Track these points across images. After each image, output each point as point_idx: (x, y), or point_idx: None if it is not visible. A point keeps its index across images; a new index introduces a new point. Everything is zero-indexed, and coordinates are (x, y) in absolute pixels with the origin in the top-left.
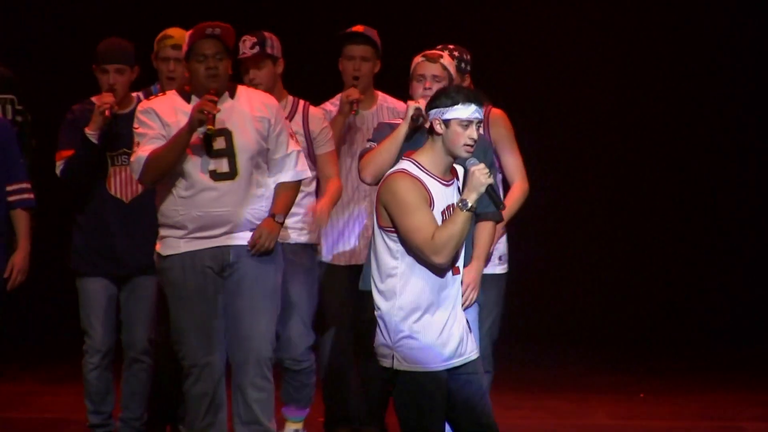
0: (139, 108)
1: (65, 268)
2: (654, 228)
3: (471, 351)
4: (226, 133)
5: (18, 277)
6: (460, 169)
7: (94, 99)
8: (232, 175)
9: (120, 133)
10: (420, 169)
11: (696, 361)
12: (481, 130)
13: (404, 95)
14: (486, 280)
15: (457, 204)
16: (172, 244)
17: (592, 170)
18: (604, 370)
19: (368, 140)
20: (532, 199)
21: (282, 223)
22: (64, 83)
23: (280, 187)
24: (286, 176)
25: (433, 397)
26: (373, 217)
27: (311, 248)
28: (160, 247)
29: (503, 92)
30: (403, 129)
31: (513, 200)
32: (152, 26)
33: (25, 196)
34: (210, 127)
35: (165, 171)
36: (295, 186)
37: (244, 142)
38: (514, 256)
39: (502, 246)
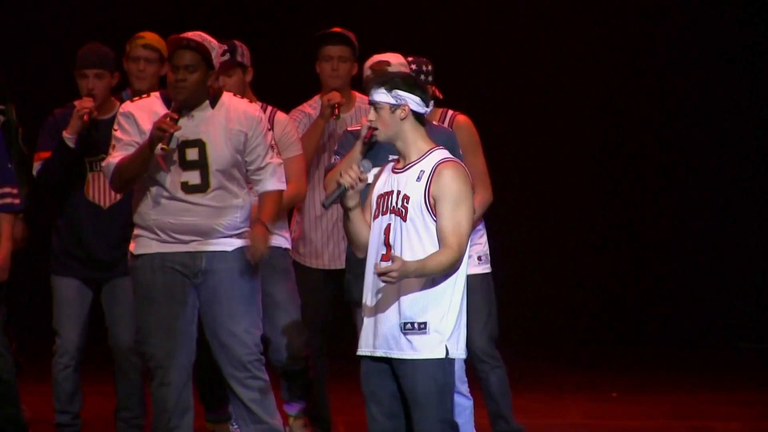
0: (120, 109)
1: (44, 269)
2: (624, 229)
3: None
4: (200, 145)
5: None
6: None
7: (76, 103)
8: (203, 187)
9: (99, 138)
10: None
11: (668, 361)
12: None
13: None
14: (469, 282)
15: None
16: (144, 244)
17: (577, 171)
18: (576, 369)
19: (335, 151)
20: (503, 198)
21: (269, 229)
22: (51, 88)
23: (262, 197)
24: (265, 186)
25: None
26: None
27: (285, 251)
28: (133, 246)
29: (491, 93)
30: (357, 148)
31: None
32: (133, 33)
33: (8, 200)
34: (164, 146)
35: (131, 181)
36: (277, 196)
37: (218, 155)
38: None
39: (481, 247)
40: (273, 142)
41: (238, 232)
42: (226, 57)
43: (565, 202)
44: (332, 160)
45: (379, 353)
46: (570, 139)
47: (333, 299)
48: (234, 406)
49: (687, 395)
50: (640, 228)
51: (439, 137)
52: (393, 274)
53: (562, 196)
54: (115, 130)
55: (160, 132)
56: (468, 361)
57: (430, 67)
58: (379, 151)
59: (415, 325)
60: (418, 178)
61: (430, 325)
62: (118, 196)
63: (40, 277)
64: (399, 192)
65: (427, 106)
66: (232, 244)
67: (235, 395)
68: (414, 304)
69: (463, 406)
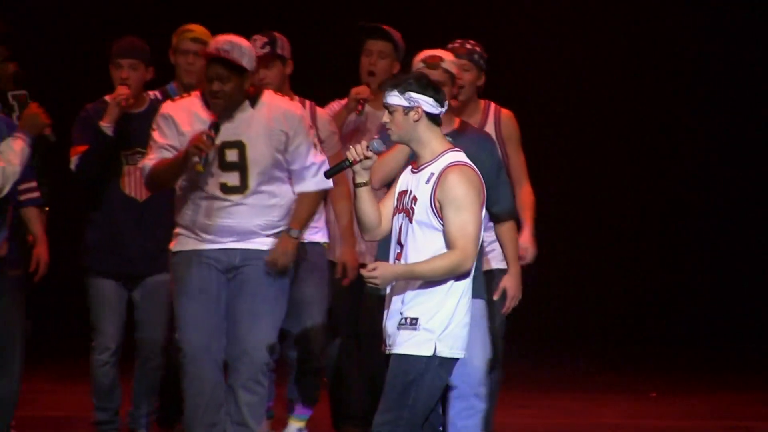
0: (161, 110)
1: (75, 266)
2: (666, 227)
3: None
4: (240, 146)
5: (44, 268)
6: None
7: (107, 98)
8: (242, 189)
9: (133, 132)
10: None
11: (707, 361)
12: (492, 130)
13: None
14: (496, 276)
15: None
16: (182, 242)
17: (602, 168)
18: (615, 369)
19: (375, 137)
20: (546, 198)
21: (298, 238)
22: (76, 83)
23: (300, 197)
24: (306, 186)
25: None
26: None
27: (322, 246)
28: (173, 244)
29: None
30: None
31: (528, 208)
32: (167, 30)
33: (35, 194)
34: (198, 168)
35: (165, 185)
36: (316, 197)
37: (258, 156)
38: None
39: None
40: (316, 140)
41: (275, 231)
42: (266, 49)
43: (605, 198)
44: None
45: (388, 351)
46: (600, 136)
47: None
48: (226, 403)
49: (726, 395)
50: (680, 227)
51: (475, 142)
52: (375, 281)
53: (603, 193)
54: (153, 131)
55: (196, 150)
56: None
57: (485, 55)
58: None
59: (407, 321)
60: (428, 181)
61: (420, 322)
62: None
63: (69, 273)
64: (411, 192)
65: (442, 106)
66: (267, 244)
67: (232, 393)
68: (410, 301)
69: (476, 408)
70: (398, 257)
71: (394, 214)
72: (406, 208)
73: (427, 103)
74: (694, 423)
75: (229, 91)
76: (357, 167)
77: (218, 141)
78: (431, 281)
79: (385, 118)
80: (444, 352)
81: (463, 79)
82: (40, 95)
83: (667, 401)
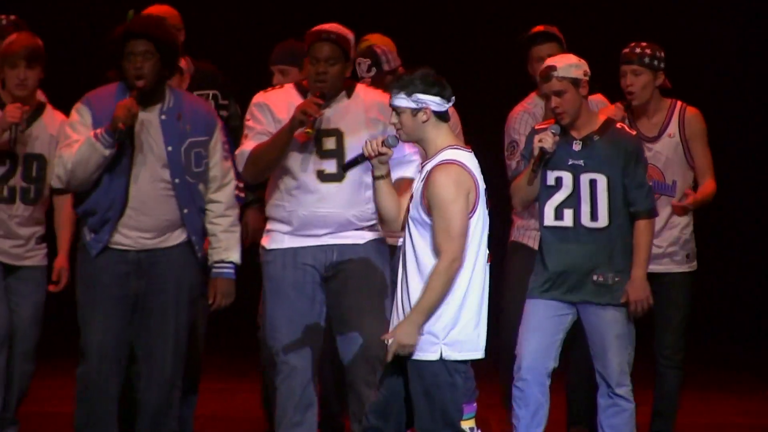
0: (253, 100)
1: None
2: None
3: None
4: (337, 134)
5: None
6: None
7: None
8: (339, 177)
9: None
10: None
11: None
12: (675, 130)
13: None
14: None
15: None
16: (276, 239)
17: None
18: (725, 367)
19: (521, 153)
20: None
21: None
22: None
23: (400, 182)
24: (403, 173)
25: None
26: None
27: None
28: (266, 240)
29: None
30: (529, 169)
31: (703, 193)
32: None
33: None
34: (309, 129)
35: (266, 168)
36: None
37: (355, 144)
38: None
39: (689, 244)
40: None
41: (369, 223)
42: (372, 72)
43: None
44: (514, 166)
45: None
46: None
47: None
48: (351, 403)
49: None
50: None
51: (611, 143)
52: (402, 351)
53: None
54: (247, 120)
55: (304, 116)
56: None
57: (662, 54)
58: None
59: None
60: (423, 178)
61: (424, 327)
62: None
63: None
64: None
65: (449, 102)
66: (363, 237)
67: (354, 391)
68: (412, 299)
69: (622, 407)
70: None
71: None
72: (409, 205)
73: (434, 103)
74: None
75: (335, 74)
76: (374, 161)
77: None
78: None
79: (393, 119)
80: (451, 355)
81: (634, 84)
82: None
83: None
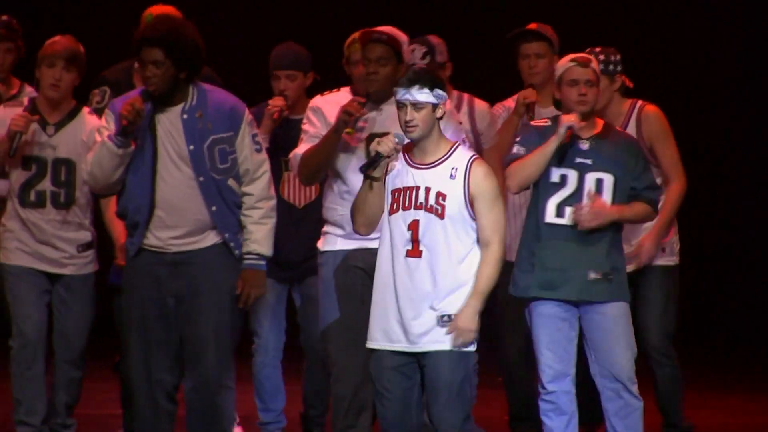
0: (310, 103)
1: None
2: None
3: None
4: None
5: None
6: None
7: (269, 102)
8: None
9: (292, 138)
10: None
11: None
12: (633, 131)
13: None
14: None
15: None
16: (330, 241)
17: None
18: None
19: (515, 142)
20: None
21: None
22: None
23: None
24: None
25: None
26: None
27: None
28: (320, 243)
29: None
30: (553, 145)
31: (664, 209)
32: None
33: None
34: (349, 129)
35: (317, 170)
36: None
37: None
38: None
39: (667, 238)
40: (464, 135)
41: None
42: (427, 60)
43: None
44: (514, 151)
45: (411, 348)
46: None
47: None
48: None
49: None
50: None
51: (619, 146)
52: (459, 342)
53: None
54: (304, 124)
55: (346, 116)
56: (641, 359)
57: (618, 57)
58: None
59: (448, 318)
60: (452, 176)
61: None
62: (313, 195)
63: None
64: (428, 189)
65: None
66: None
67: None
68: (445, 298)
69: (633, 407)
70: (409, 254)
71: (394, 212)
72: (428, 205)
73: (448, 99)
74: None
75: (386, 74)
76: (385, 161)
77: (366, 132)
78: (457, 277)
79: (409, 115)
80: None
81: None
82: None
83: None
